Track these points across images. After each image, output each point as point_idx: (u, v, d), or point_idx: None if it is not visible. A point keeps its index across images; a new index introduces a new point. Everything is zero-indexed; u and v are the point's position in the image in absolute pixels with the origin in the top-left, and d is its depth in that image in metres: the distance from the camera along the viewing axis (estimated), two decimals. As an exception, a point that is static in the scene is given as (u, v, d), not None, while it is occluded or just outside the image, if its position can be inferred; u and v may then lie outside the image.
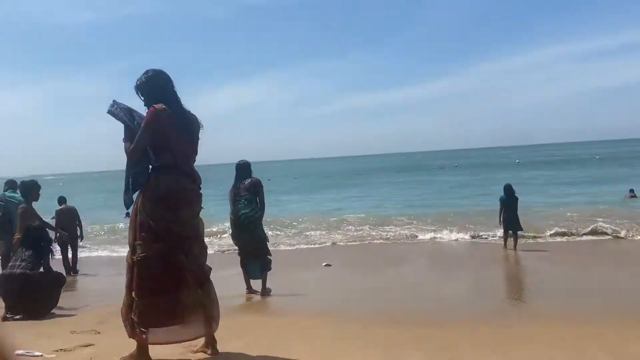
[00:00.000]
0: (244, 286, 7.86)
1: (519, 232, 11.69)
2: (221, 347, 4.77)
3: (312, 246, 13.74)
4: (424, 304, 7.20)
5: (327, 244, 13.86)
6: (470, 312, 6.47)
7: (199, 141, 4.09)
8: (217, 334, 4.90)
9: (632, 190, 19.82)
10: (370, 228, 15.49)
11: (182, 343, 4.21)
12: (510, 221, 11.56)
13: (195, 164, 4.13)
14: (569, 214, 15.76)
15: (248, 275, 7.86)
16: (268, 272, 7.78)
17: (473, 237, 13.40)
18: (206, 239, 13.14)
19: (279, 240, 14.30)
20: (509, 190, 11.85)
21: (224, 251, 12.52)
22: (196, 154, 4.07)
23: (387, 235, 14.35)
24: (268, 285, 7.75)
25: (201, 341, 4.27)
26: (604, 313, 6.18)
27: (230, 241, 8.90)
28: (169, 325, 3.86)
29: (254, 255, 7.73)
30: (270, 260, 7.78)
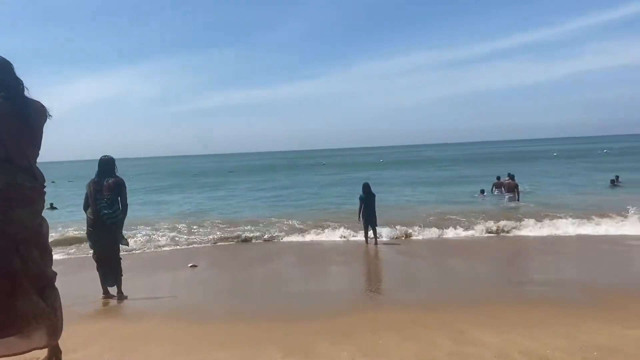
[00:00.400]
0: (100, 291, 7.42)
1: (378, 228, 12.43)
2: (68, 357, 4.47)
3: (179, 247, 13.31)
4: (286, 300, 7.31)
5: (195, 245, 13.52)
6: (328, 305, 6.70)
7: (42, 133, 3.74)
8: (66, 343, 4.58)
9: (482, 191, 21.84)
10: (238, 228, 15.36)
11: (21, 355, 3.85)
12: (369, 218, 12.28)
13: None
14: (437, 209, 16.98)
15: (104, 281, 7.42)
16: (122, 277, 7.46)
17: (341, 235, 13.72)
18: (62, 242, 12.10)
19: (144, 243, 13.65)
20: (366, 188, 12.62)
21: (69, 255, 11.67)
22: (37, 147, 3.70)
23: (256, 235, 14.33)
24: (123, 289, 7.41)
25: (43, 352, 3.95)
26: (448, 301, 6.71)
27: (86, 244, 8.32)
28: (3, 336, 3.51)
29: (111, 260, 7.31)
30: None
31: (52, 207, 22.29)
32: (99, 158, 7.36)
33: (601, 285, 7.28)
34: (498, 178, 21.66)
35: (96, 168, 7.31)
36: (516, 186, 18.95)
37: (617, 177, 24.23)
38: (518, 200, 18.40)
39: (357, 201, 12.64)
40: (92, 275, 7.60)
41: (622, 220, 13.18)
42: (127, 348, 4.84)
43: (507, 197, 18.77)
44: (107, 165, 7.26)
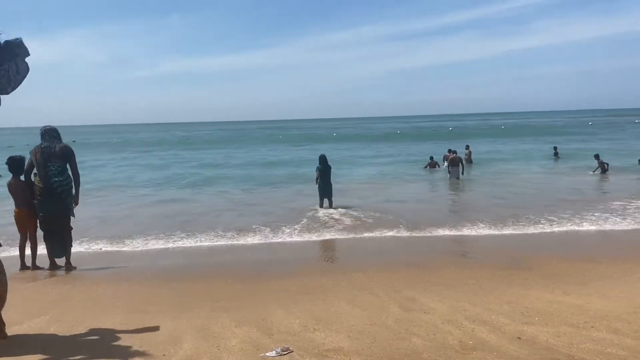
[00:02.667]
0: (47, 261, 7.21)
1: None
2: (12, 330, 4.37)
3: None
4: (239, 266, 7.33)
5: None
6: (281, 271, 6.86)
7: None
8: (10, 316, 4.48)
9: (431, 158, 22.62)
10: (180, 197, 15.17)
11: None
12: (325, 189, 12.50)
13: None
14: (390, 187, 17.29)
15: (50, 253, 7.19)
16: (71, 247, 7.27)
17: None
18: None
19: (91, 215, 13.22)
20: (323, 160, 12.75)
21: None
22: None
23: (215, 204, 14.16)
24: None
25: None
26: (398, 268, 6.88)
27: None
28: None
29: (60, 230, 7.06)
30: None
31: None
32: (42, 126, 7.09)
33: (543, 254, 7.60)
34: (449, 151, 22.12)
35: (39, 136, 7.05)
36: (460, 160, 18.65)
37: (556, 147, 25.94)
38: (462, 174, 18.17)
39: (314, 172, 12.84)
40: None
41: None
42: (75, 319, 4.75)
43: (451, 171, 18.22)
44: (54, 131, 7.02)
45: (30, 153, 7.01)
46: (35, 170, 6.96)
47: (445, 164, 21.18)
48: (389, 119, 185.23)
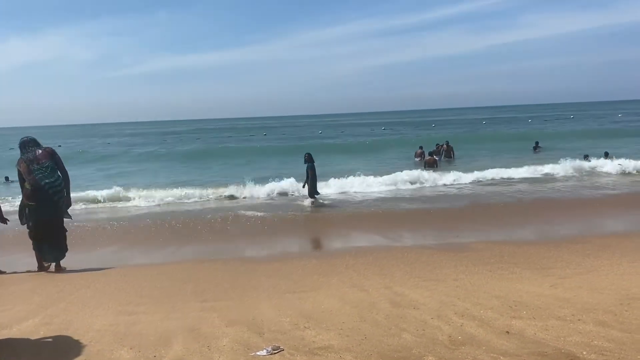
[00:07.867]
0: (35, 265, 7.15)
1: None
2: (2, 333, 4.37)
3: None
4: (230, 262, 7.36)
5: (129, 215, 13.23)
6: (269, 266, 6.93)
7: None
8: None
9: (421, 147, 23.40)
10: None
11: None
12: (313, 183, 12.85)
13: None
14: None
15: (43, 258, 7.08)
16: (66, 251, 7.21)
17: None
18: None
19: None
20: (311, 157, 13.03)
21: None
22: None
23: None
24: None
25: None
26: (381, 260, 6.96)
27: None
28: None
29: (56, 234, 6.94)
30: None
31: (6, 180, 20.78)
32: (20, 139, 7.08)
33: (531, 246, 7.66)
34: (420, 148, 23.03)
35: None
36: (435, 161, 19.89)
37: (537, 142, 26.49)
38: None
39: (304, 172, 13.00)
40: (25, 248, 7.33)
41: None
42: (64, 322, 4.72)
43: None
44: (31, 140, 6.98)
45: (16, 166, 6.93)
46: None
47: (417, 159, 22.00)
48: (379, 114, 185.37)
